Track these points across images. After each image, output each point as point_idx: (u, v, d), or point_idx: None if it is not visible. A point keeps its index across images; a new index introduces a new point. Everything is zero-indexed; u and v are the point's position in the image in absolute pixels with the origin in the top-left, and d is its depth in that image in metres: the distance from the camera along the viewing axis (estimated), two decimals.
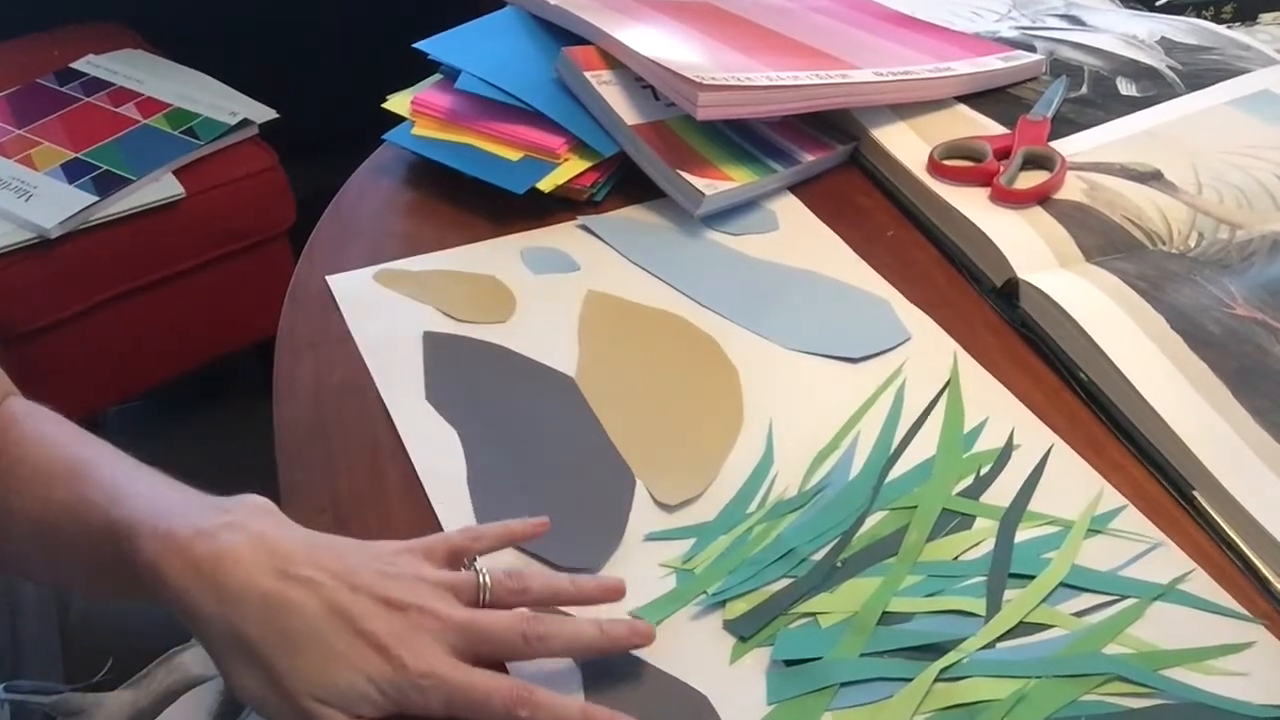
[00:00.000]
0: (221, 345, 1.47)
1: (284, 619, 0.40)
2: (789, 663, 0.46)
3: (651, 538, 0.52)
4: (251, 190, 1.36)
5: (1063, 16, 0.94)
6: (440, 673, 0.40)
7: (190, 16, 1.63)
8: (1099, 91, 0.82)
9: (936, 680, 0.45)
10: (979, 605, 0.48)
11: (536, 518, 0.49)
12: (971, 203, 0.70)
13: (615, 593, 0.47)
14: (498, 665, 0.44)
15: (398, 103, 0.78)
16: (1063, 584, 0.49)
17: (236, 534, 0.42)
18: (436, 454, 0.56)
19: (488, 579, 0.44)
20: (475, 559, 0.47)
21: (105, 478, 0.47)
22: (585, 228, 0.72)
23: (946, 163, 0.73)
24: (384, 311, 0.65)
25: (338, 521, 0.53)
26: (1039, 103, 0.79)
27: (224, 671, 0.41)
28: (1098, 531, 0.52)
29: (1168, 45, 0.87)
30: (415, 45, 0.79)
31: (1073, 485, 0.54)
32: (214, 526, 0.43)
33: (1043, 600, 0.48)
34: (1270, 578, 0.50)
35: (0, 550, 0.49)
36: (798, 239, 0.72)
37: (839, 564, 0.50)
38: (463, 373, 0.61)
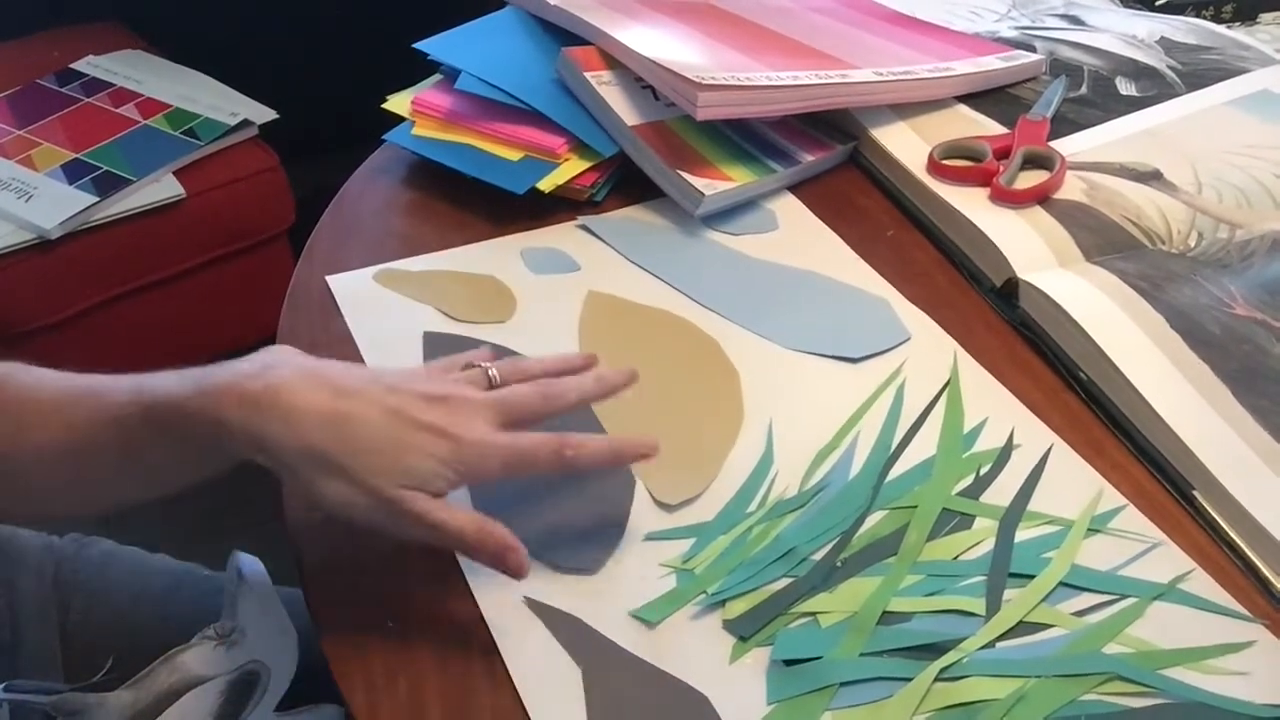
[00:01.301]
0: (221, 345, 1.46)
1: (350, 429, 0.44)
2: (789, 662, 0.46)
3: (651, 537, 0.52)
4: (252, 191, 1.35)
5: (1062, 16, 0.94)
6: (491, 439, 0.46)
7: (190, 17, 1.63)
8: (1099, 91, 0.82)
9: (936, 680, 0.45)
10: (979, 605, 0.48)
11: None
12: (971, 202, 0.70)
13: (590, 359, 0.54)
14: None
15: (398, 103, 0.78)
16: (1062, 583, 0.49)
17: (281, 369, 0.46)
18: None
19: (493, 370, 0.51)
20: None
21: (123, 384, 0.48)
22: (585, 228, 0.72)
23: (946, 163, 0.73)
24: (384, 312, 0.65)
25: (337, 519, 0.53)
26: (1039, 103, 0.79)
27: (308, 488, 0.45)
28: (1097, 531, 0.52)
29: (1167, 45, 0.87)
30: (415, 45, 0.79)
31: (1072, 485, 0.54)
32: (257, 369, 0.46)
33: (1042, 600, 0.48)
34: (1270, 577, 0.50)
35: (37, 492, 0.51)
36: (797, 239, 0.72)
37: (839, 564, 0.50)
38: None
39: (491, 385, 0.50)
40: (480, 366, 0.51)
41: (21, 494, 0.51)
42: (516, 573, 0.46)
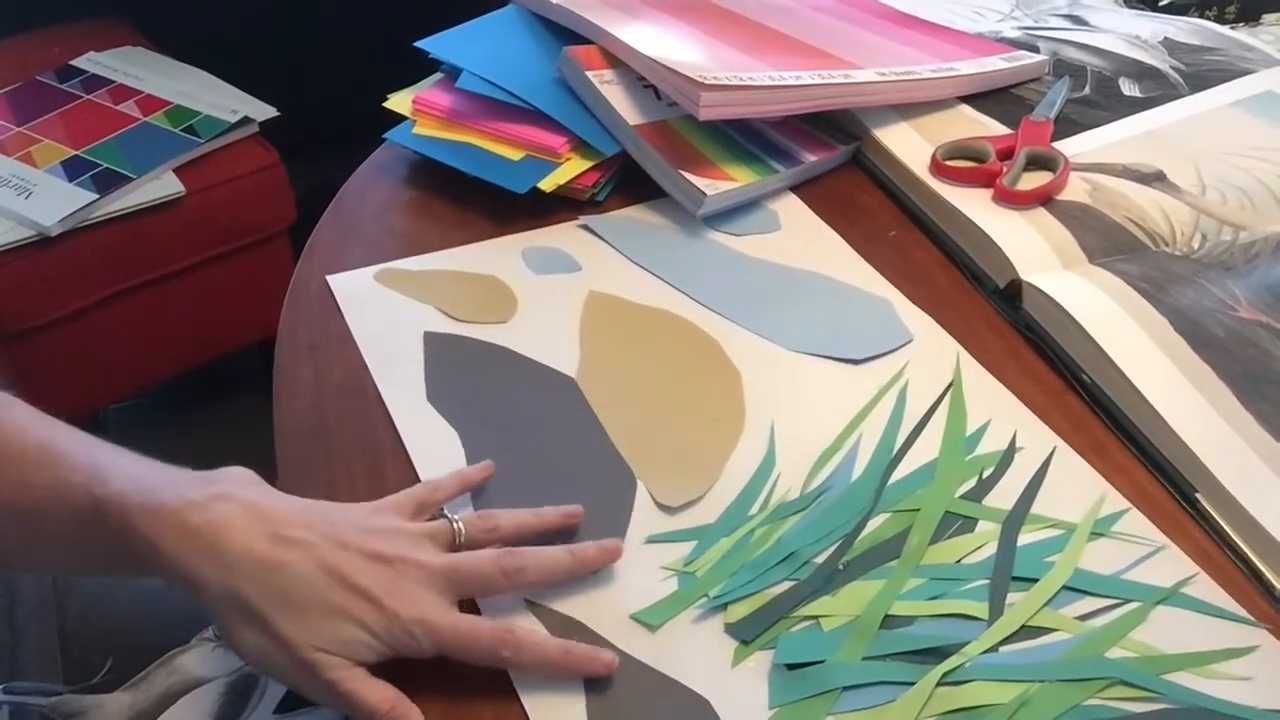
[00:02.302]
0: (222, 344, 1.47)
1: (281, 580, 0.43)
2: (791, 666, 0.46)
3: (652, 540, 0.51)
4: (252, 188, 1.35)
5: (1066, 17, 0.94)
6: (430, 619, 0.44)
7: (191, 14, 1.62)
8: (1102, 92, 0.81)
9: (939, 684, 0.45)
10: (981, 609, 0.48)
11: (484, 462, 0.53)
12: (974, 203, 0.70)
13: (573, 518, 0.51)
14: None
15: (399, 102, 0.78)
16: (1066, 587, 0.49)
17: (227, 503, 0.44)
18: (436, 454, 0.55)
19: (460, 525, 0.48)
20: (443, 508, 0.50)
21: (83, 459, 0.47)
22: (587, 228, 0.72)
23: (949, 163, 0.73)
24: (384, 311, 0.65)
25: None
26: (1042, 103, 0.79)
27: (227, 633, 0.44)
28: (1101, 535, 0.52)
29: (1171, 46, 0.87)
30: (416, 44, 0.79)
31: (1076, 488, 0.54)
32: (205, 498, 0.45)
33: (1045, 604, 0.48)
34: (1274, 581, 0.49)
35: None
36: (799, 239, 0.71)
37: (841, 567, 0.50)
38: (463, 373, 0.60)
39: (455, 536, 0.48)
40: (448, 518, 0.48)
41: None
42: None
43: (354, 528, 0.46)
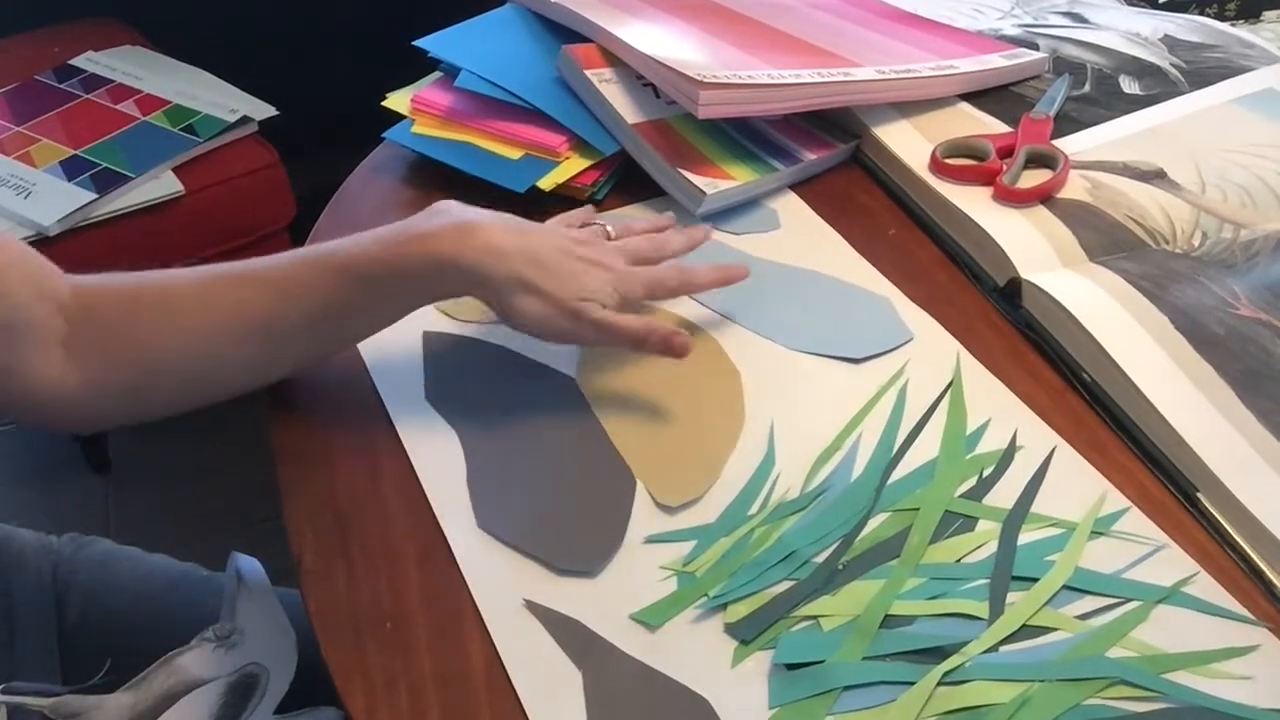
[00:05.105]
0: None
1: (537, 258, 0.55)
2: (791, 666, 0.46)
3: (652, 540, 0.51)
4: (251, 187, 1.35)
5: (1065, 14, 0.94)
6: (634, 270, 0.59)
7: (190, 13, 1.62)
8: (1102, 90, 0.81)
9: (939, 684, 0.45)
10: (982, 608, 0.48)
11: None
12: (974, 201, 0.69)
13: (669, 219, 0.67)
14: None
15: (398, 100, 0.78)
16: (1066, 587, 0.49)
17: (466, 213, 0.56)
18: (436, 454, 0.55)
19: (610, 227, 0.63)
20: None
21: (281, 259, 0.55)
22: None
23: (949, 161, 0.73)
24: None
25: (337, 520, 0.53)
26: (1042, 101, 0.79)
27: (511, 311, 0.55)
28: (1101, 534, 0.52)
29: (1171, 43, 0.87)
30: (415, 43, 0.79)
31: (1076, 487, 0.54)
32: (449, 220, 0.55)
33: (1046, 603, 0.48)
34: (1274, 580, 0.49)
35: (224, 372, 0.55)
36: (799, 238, 0.71)
37: (841, 566, 0.50)
38: (463, 373, 0.60)
39: (608, 238, 0.62)
40: (598, 224, 0.63)
41: (196, 381, 0.55)
42: (682, 351, 0.57)
43: (547, 228, 0.61)
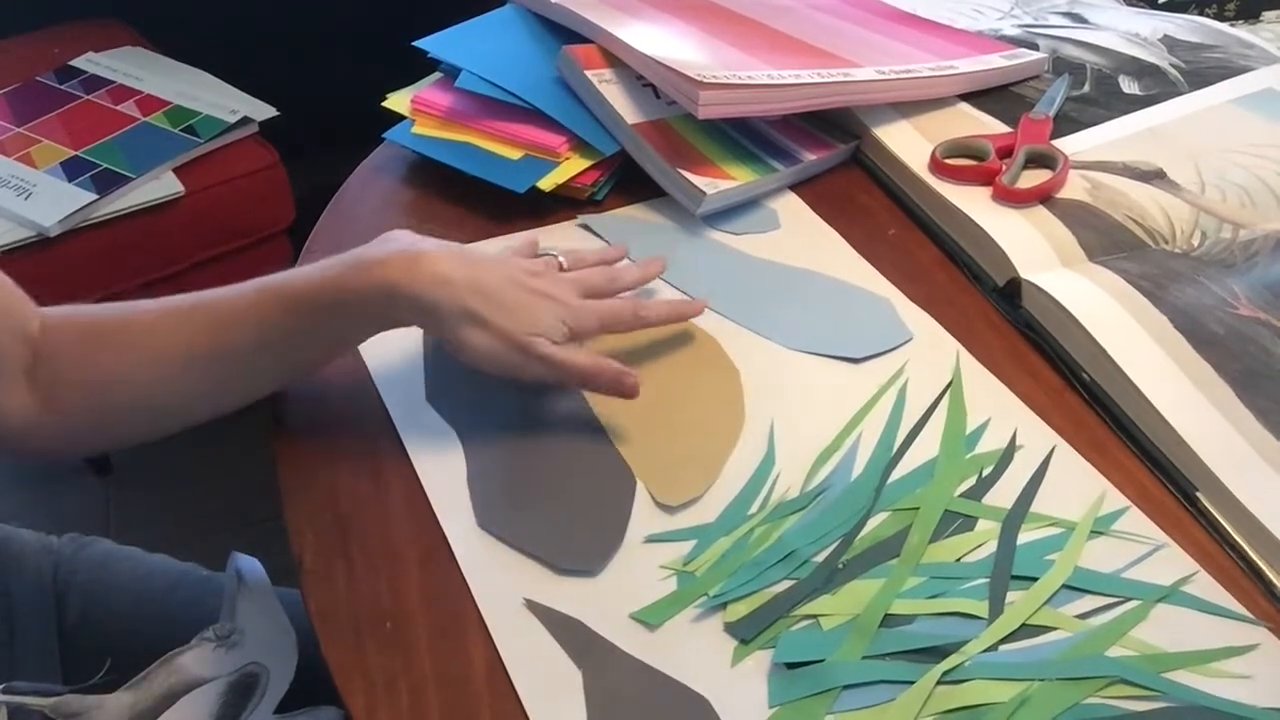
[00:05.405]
0: None
1: (487, 290, 0.54)
2: (791, 665, 0.46)
3: (652, 539, 0.51)
4: (251, 188, 1.35)
5: (1065, 14, 0.94)
6: (586, 303, 0.58)
7: (190, 14, 1.62)
8: (1102, 90, 0.81)
9: (939, 683, 0.45)
10: (981, 607, 0.48)
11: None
12: (974, 202, 0.69)
13: (620, 251, 0.66)
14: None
15: (398, 101, 0.78)
16: (1066, 586, 0.49)
17: (421, 244, 0.54)
18: (436, 454, 0.55)
19: (562, 258, 0.62)
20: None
21: (232, 290, 0.54)
22: (586, 227, 0.72)
23: (949, 161, 0.73)
24: None
25: (337, 520, 0.53)
26: (1041, 101, 0.79)
27: (459, 344, 0.54)
28: (1101, 533, 0.52)
29: (1170, 43, 0.87)
30: (415, 43, 0.79)
31: (1075, 487, 0.54)
32: (400, 248, 0.54)
33: (1045, 602, 0.48)
34: (1274, 580, 0.49)
35: (174, 403, 0.55)
36: (799, 238, 0.71)
37: (841, 566, 0.50)
38: (463, 373, 0.60)
39: (561, 268, 0.61)
40: (551, 255, 0.62)
41: (155, 410, 0.55)
42: (631, 393, 0.56)
43: (499, 258, 0.59)
